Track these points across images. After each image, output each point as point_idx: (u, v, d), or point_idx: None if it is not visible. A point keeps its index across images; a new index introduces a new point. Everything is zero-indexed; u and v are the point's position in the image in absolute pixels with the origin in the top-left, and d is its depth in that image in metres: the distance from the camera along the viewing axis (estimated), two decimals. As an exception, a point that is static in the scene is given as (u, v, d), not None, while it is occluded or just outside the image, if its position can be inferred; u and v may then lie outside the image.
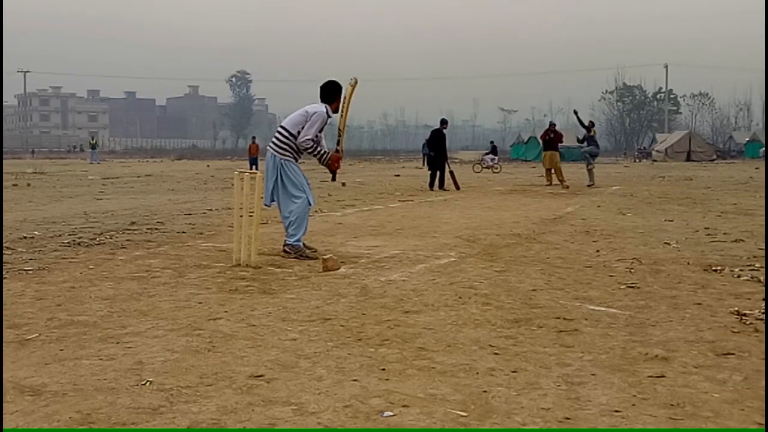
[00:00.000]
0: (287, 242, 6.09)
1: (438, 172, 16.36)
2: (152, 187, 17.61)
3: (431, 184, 16.31)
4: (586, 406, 2.61)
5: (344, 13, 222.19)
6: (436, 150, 16.48)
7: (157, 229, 8.21)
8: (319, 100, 6.27)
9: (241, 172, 5.94)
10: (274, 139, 6.18)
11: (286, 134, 6.12)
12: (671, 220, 9.01)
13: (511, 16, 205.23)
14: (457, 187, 16.27)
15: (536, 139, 38.47)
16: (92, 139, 47.15)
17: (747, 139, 53.75)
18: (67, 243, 6.92)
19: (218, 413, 2.54)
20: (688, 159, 42.79)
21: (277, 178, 6.07)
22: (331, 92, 6.28)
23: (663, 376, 2.94)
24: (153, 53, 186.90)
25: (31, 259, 5.91)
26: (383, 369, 3.04)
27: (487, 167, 25.57)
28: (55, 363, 3.12)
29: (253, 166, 26.16)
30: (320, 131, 6.18)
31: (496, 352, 3.30)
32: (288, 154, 6.11)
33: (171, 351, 3.29)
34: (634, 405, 2.62)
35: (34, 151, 67.46)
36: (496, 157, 28.96)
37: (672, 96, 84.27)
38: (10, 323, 3.78)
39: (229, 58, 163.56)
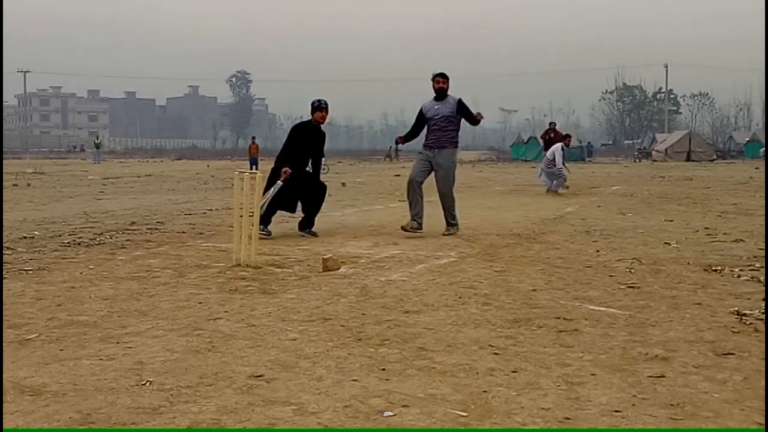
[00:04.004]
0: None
1: (307, 203, 7.71)
2: (152, 187, 17.61)
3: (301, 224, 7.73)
4: (586, 406, 2.61)
5: (344, 14, 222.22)
6: (298, 157, 7.57)
7: (157, 229, 8.21)
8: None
9: (241, 172, 5.94)
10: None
11: None
12: (671, 220, 9.01)
13: (511, 16, 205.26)
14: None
15: (536, 139, 38.44)
16: (96, 139, 47.17)
17: (747, 139, 53.70)
18: (67, 243, 6.92)
19: (218, 413, 2.54)
20: (688, 159, 42.74)
21: None
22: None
23: (663, 376, 2.94)
24: (153, 53, 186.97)
25: (31, 259, 5.91)
26: (383, 369, 3.04)
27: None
28: (55, 363, 3.12)
29: (254, 166, 26.14)
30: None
31: (496, 352, 3.30)
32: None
33: (171, 351, 3.29)
34: (634, 405, 2.62)
35: (28, 150, 67.24)
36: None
37: (672, 96, 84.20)
38: (10, 323, 3.78)
39: (229, 58, 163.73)
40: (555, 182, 14.46)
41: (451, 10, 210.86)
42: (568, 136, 16.03)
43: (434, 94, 7.71)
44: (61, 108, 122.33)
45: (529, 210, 10.83)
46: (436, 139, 7.66)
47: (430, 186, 7.94)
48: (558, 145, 14.63)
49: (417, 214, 7.63)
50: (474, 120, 7.75)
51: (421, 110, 7.80)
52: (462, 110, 7.70)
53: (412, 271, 5.41)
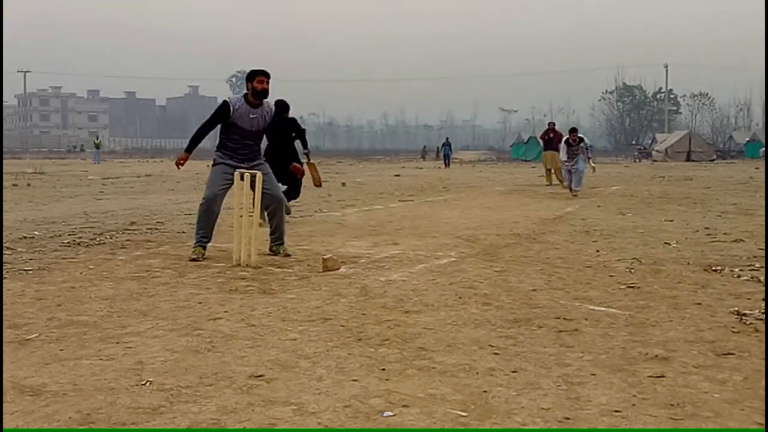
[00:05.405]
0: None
1: (289, 186, 8.70)
2: (152, 187, 17.60)
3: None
4: (586, 406, 2.61)
5: (345, 14, 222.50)
6: (279, 148, 8.69)
7: (157, 229, 8.21)
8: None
9: (241, 172, 5.93)
10: None
11: None
12: (671, 220, 9.01)
13: (510, 16, 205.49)
14: (318, 184, 9.99)
15: (536, 139, 38.45)
16: (96, 139, 47.13)
17: (747, 139, 53.73)
18: (67, 243, 6.92)
19: (218, 413, 2.54)
20: (688, 159, 42.78)
21: None
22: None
23: (663, 376, 2.94)
24: (153, 53, 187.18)
25: (31, 259, 5.91)
26: (383, 369, 3.04)
27: None
28: (55, 363, 3.12)
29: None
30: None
31: (496, 352, 3.30)
32: None
33: (171, 351, 3.29)
34: (634, 405, 2.62)
35: (28, 150, 67.37)
36: None
37: (672, 96, 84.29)
38: (10, 323, 3.78)
39: (229, 58, 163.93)
40: (575, 179, 14.07)
41: (450, 10, 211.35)
42: (573, 131, 15.44)
43: (248, 95, 6.09)
44: (61, 108, 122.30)
45: (529, 210, 10.83)
46: (249, 152, 6.25)
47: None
48: (563, 142, 14.59)
49: (205, 237, 6.17)
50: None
51: (228, 109, 6.09)
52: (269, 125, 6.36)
53: (412, 271, 5.41)
